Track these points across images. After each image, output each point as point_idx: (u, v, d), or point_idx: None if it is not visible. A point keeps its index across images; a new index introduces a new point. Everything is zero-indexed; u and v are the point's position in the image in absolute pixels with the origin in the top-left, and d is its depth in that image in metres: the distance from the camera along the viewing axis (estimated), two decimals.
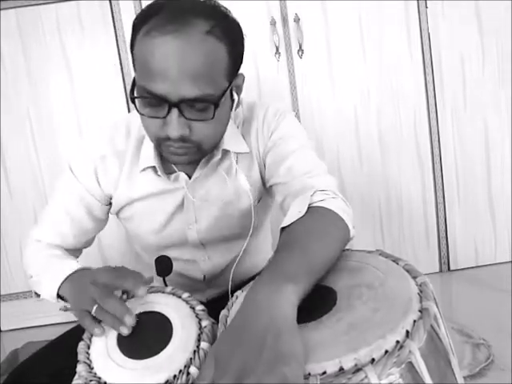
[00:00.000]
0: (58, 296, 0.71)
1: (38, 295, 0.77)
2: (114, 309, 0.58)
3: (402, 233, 1.77)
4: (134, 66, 0.67)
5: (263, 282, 0.50)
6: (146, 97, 0.64)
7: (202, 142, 0.68)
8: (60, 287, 0.70)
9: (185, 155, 0.69)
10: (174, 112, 0.63)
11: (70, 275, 0.70)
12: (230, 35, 0.65)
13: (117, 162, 0.80)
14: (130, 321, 0.57)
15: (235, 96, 0.72)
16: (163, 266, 0.73)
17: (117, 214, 0.86)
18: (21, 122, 1.66)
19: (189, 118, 0.64)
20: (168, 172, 0.79)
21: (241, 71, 0.71)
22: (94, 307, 0.59)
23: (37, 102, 1.65)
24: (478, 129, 1.70)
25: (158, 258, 0.74)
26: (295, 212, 0.63)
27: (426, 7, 1.63)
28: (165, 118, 0.64)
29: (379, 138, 1.70)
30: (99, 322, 0.60)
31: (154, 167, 0.78)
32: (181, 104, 0.62)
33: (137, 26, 0.64)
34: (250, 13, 1.61)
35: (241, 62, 0.70)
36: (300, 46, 1.63)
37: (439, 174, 1.72)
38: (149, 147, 0.77)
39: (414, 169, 1.72)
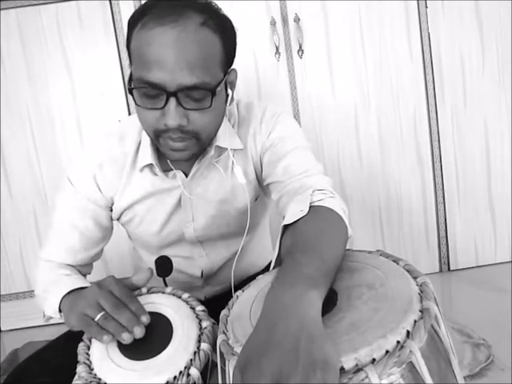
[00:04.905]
0: (60, 310, 0.70)
1: (46, 317, 0.75)
2: (127, 321, 0.57)
3: (401, 233, 1.76)
4: (130, 61, 0.68)
5: (284, 283, 0.49)
6: (143, 87, 0.64)
7: (199, 131, 0.68)
8: (62, 300, 0.69)
9: (184, 150, 0.69)
10: (172, 101, 0.63)
11: (74, 290, 0.69)
12: (223, 29, 0.67)
13: (114, 168, 0.80)
14: (139, 331, 0.57)
15: (229, 91, 0.73)
16: (163, 266, 0.73)
17: (118, 218, 0.86)
18: (21, 122, 1.66)
19: (186, 108, 0.64)
20: (165, 170, 0.79)
21: (234, 67, 0.72)
22: (100, 315, 0.58)
23: (37, 102, 1.65)
24: (477, 129, 1.70)
25: (158, 258, 0.73)
26: (297, 210, 0.63)
27: (426, 7, 1.63)
28: (163, 108, 0.64)
29: (379, 138, 1.70)
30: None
31: (151, 166, 0.78)
32: (178, 93, 0.63)
33: (132, 23, 0.65)
34: (250, 13, 1.61)
35: (233, 57, 0.71)
36: (300, 46, 1.63)
37: (439, 173, 1.72)
38: (146, 147, 0.77)
39: (413, 169, 1.72)
